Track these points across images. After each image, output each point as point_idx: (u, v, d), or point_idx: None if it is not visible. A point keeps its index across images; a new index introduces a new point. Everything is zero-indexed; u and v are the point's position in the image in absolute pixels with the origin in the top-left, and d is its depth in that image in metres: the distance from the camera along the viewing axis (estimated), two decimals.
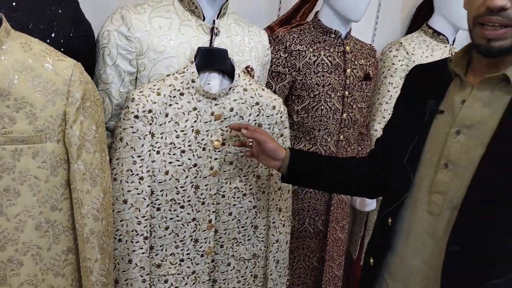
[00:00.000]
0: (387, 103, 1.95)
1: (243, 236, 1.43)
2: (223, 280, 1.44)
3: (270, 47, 1.59)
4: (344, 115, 1.70)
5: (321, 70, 1.64)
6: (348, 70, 1.69)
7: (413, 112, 1.14)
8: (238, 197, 1.40)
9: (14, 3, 1.11)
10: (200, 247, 1.37)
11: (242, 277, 1.46)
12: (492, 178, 0.97)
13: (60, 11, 1.19)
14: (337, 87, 1.67)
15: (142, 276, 1.27)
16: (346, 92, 1.69)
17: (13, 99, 1.01)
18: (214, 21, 1.32)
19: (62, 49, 1.16)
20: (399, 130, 1.19)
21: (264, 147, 1.24)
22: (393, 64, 1.94)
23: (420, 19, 2.10)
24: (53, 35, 1.17)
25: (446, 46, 1.98)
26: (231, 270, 1.44)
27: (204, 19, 1.32)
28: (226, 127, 1.31)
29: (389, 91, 1.94)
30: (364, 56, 1.77)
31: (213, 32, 1.32)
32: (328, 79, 1.65)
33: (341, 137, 1.72)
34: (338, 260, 1.87)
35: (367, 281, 1.23)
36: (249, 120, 1.34)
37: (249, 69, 1.40)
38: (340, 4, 1.59)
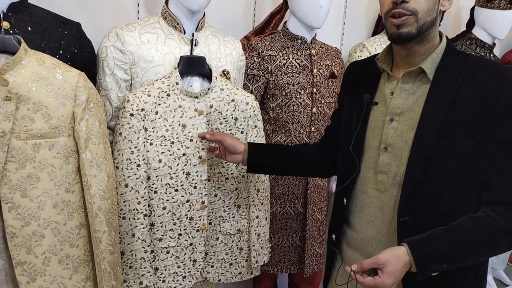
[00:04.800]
0: None
1: (228, 214, 1.68)
2: (213, 252, 1.68)
3: (245, 54, 1.86)
4: (314, 109, 1.96)
5: (290, 71, 1.90)
6: (315, 70, 1.95)
7: (353, 104, 1.34)
8: (221, 181, 1.65)
9: (29, 28, 1.38)
10: (195, 224, 1.60)
11: (229, 249, 1.70)
12: (424, 156, 1.16)
13: (66, 32, 1.46)
14: (306, 85, 1.93)
15: (144, 248, 1.52)
16: (314, 89, 1.95)
17: (32, 103, 1.27)
18: (193, 33, 1.59)
19: (69, 62, 1.43)
20: (344, 120, 1.38)
21: (225, 145, 1.49)
22: None
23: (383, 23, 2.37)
24: (61, 51, 1.44)
25: None
26: (220, 243, 1.68)
27: (184, 33, 1.59)
28: (208, 122, 1.57)
29: None
30: (329, 57, 2.03)
31: (192, 43, 1.58)
32: (297, 79, 1.91)
33: (313, 128, 1.97)
34: (319, 239, 2.10)
35: (332, 254, 1.44)
36: (226, 114, 1.60)
37: (225, 72, 1.67)
38: (303, 15, 1.86)
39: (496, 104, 1.11)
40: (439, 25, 1.24)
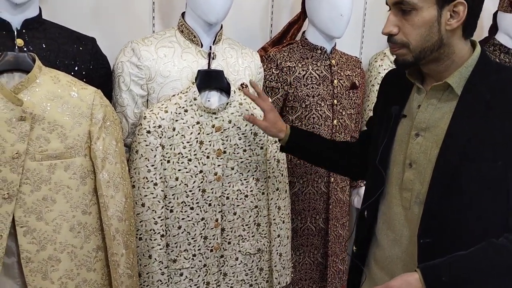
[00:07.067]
0: None
1: (247, 233, 1.62)
2: (233, 273, 1.62)
3: (263, 65, 1.80)
4: (335, 121, 1.89)
5: (310, 82, 1.84)
6: (335, 81, 1.88)
7: (384, 115, 1.28)
8: (240, 199, 1.59)
9: (43, 45, 1.34)
10: (210, 243, 1.56)
11: (249, 270, 1.64)
12: (447, 176, 1.10)
13: (81, 48, 1.42)
14: (326, 97, 1.86)
15: (161, 269, 1.46)
16: (335, 101, 1.88)
17: (47, 123, 1.23)
18: (210, 47, 1.54)
19: (84, 79, 1.38)
20: (374, 131, 1.33)
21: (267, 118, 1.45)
22: (379, 73, 2.13)
23: None
24: (76, 68, 1.40)
25: None
26: (239, 264, 1.62)
27: (202, 46, 1.54)
28: (226, 138, 1.51)
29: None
30: (350, 67, 1.97)
31: (210, 56, 1.53)
32: (317, 90, 1.85)
33: None
34: (341, 256, 2.03)
35: (357, 271, 1.36)
36: (245, 129, 1.55)
37: (244, 86, 1.61)
38: (322, 24, 1.80)
39: None
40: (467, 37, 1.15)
